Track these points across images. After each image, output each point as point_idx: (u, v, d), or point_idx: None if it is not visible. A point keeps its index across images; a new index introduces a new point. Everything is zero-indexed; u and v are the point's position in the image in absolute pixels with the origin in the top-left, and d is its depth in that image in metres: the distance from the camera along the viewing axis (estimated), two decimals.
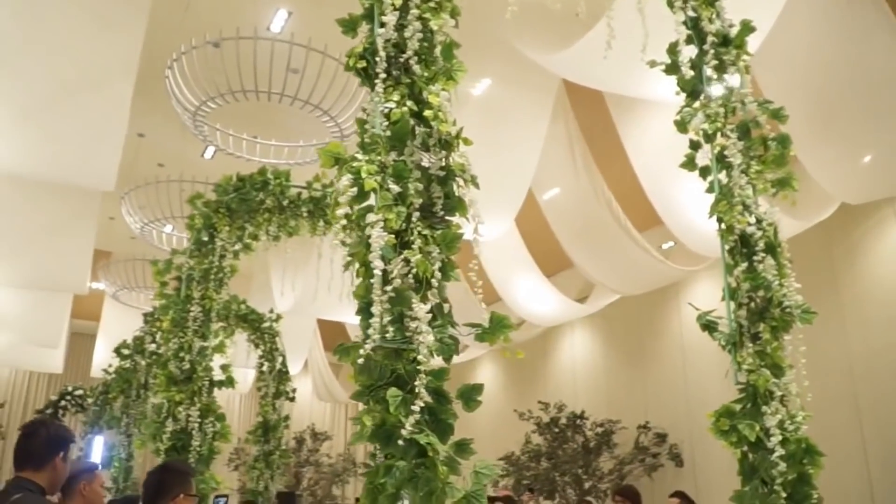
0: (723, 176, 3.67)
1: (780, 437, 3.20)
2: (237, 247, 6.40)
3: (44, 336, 11.91)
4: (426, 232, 2.81)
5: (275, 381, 9.29)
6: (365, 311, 2.71)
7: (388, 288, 2.68)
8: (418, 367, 2.60)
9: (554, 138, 9.26)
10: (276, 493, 12.83)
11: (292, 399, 9.45)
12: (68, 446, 2.84)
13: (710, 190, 3.70)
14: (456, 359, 10.75)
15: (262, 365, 9.42)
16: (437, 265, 2.78)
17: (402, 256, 2.72)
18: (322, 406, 18.14)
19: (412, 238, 2.75)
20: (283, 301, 11.44)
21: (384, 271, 2.70)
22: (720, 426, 3.33)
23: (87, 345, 13.59)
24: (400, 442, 2.49)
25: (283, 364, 9.37)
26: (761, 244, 3.45)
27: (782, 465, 3.15)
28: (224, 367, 6.09)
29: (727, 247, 3.54)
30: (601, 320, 13.58)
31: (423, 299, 2.71)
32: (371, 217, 2.67)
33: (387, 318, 2.65)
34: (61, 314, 11.90)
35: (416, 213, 2.79)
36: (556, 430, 12.32)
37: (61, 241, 9.48)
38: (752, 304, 3.49)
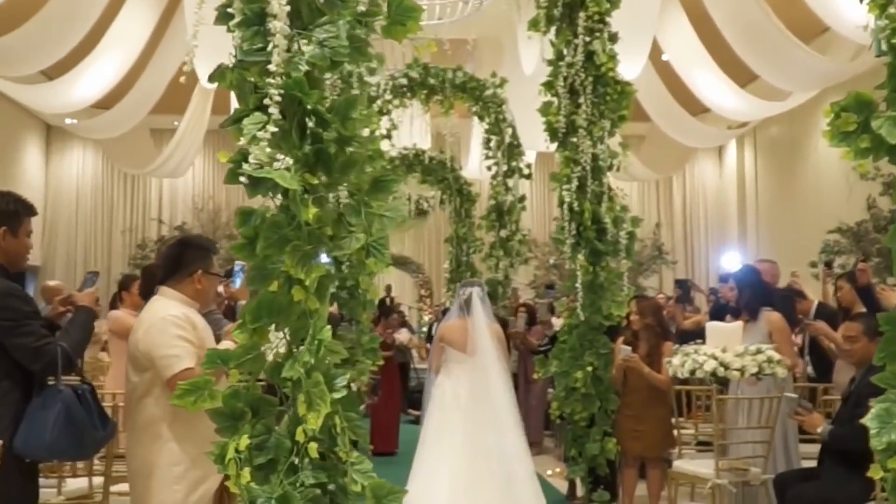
0: None
1: None
2: None
3: None
4: None
5: (505, 156, 9.20)
6: (224, 16, 2.36)
7: None
8: (269, 81, 2.22)
9: None
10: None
11: (527, 176, 9.31)
12: (12, 221, 3.04)
13: None
14: (780, 105, 9.55)
15: (488, 140, 9.35)
16: None
17: None
18: (626, 187, 17.77)
19: None
20: None
21: None
22: (842, 126, 2.40)
23: None
24: (242, 179, 2.20)
25: (514, 136, 9.18)
26: None
27: None
28: (373, 140, 6.09)
29: None
30: None
31: None
32: None
33: (239, 18, 2.29)
34: None
35: None
36: None
37: None
38: None
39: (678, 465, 5.29)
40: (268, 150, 2.23)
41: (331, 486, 2.21)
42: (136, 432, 3.03)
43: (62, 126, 15.16)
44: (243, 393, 2.22)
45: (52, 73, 12.25)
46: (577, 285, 5.83)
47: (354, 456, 2.24)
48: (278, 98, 2.23)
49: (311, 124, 2.32)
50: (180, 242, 3.39)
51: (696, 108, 14.37)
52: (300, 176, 2.26)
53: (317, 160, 2.31)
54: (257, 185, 2.26)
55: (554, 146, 6.16)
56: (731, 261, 14.66)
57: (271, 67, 2.23)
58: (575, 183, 5.93)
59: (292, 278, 2.23)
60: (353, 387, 6.00)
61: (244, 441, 2.12)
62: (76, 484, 4.26)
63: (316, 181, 2.30)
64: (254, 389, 2.25)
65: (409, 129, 9.88)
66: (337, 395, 2.23)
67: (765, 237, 15.44)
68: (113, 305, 6.15)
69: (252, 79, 2.37)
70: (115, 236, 16.97)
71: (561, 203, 5.96)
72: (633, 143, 16.18)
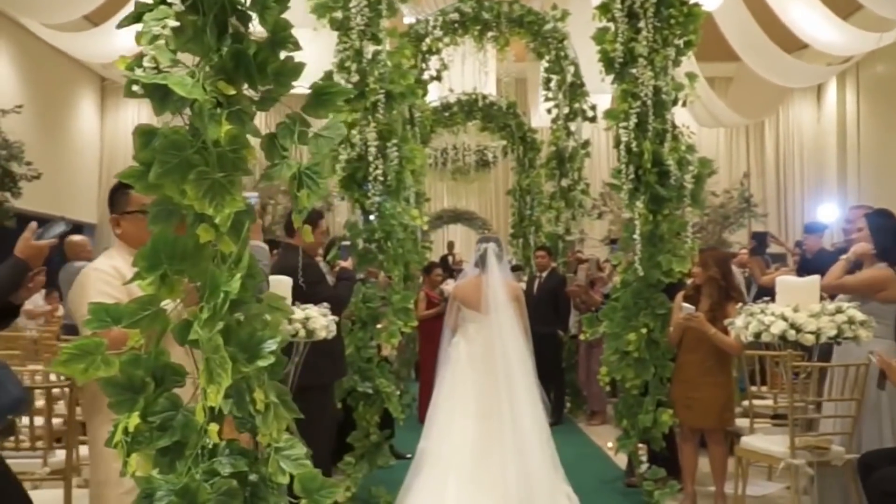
0: None
1: None
2: None
3: None
4: None
5: (566, 97, 8.62)
6: None
7: None
8: None
9: None
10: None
11: (592, 119, 8.71)
12: None
13: None
14: (887, 36, 8.75)
15: (548, 80, 8.78)
16: None
17: None
18: (712, 134, 16.87)
19: None
20: None
21: None
22: None
23: None
24: (136, 89, 1.79)
25: (577, 75, 8.58)
26: None
27: None
28: (405, 75, 5.65)
29: None
30: None
31: None
32: None
33: None
34: None
35: None
36: None
37: None
38: None
39: (747, 441, 4.77)
40: (173, 52, 1.82)
41: (252, 477, 1.82)
42: (85, 402, 2.75)
43: (116, 80, 15.14)
44: (144, 359, 1.84)
45: (97, 18, 12.18)
46: (636, 236, 5.30)
47: (284, 439, 1.85)
48: None
49: (234, 22, 1.91)
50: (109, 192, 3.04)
51: (790, 44, 13.38)
52: (213, 85, 1.84)
53: (236, 66, 1.89)
54: (164, 98, 1.85)
55: (610, 79, 5.60)
56: (829, 213, 13.75)
57: None
58: (633, 120, 5.36)
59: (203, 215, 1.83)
60: (384, 351, 5.66)
61: (134, 419, 1.74)
62: (63, 455, 4.03)
63: (233, 91, 1.88)
64: (160, 354, 1.86)
65: (461, 69, 9.37)
66: (262, 363, 1.83)
67: (867, 186, 14.40)
68: None
69: None
70: None
71: (617, 143, 5.42)
72: (720, 85, 15.35)
